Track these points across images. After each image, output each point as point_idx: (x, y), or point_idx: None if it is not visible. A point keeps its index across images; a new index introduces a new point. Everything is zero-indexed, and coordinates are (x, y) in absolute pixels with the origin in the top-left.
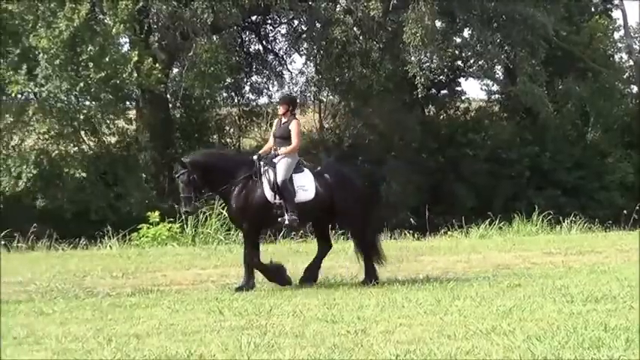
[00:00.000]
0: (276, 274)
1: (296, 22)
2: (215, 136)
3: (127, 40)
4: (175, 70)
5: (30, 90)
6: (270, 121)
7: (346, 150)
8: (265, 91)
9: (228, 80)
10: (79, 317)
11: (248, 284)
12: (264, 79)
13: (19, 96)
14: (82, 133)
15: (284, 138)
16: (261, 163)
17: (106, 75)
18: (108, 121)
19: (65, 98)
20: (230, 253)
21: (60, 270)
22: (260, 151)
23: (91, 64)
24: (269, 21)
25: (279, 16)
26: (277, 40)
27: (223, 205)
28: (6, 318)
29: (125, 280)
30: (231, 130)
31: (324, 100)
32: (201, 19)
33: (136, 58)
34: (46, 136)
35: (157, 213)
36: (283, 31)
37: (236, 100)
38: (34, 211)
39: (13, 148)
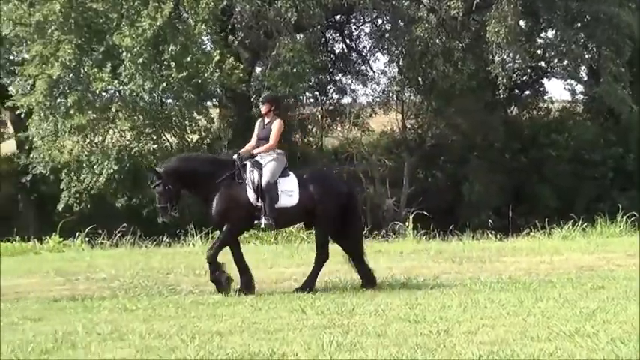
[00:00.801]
0: (219, 278)
1: (379, 21)
2: (298, 135)
3: (210, 38)
4: (258, 69)
5: (114, 87)
6: (352, 121)
7: (428, 150)
8: (349, 90)
9: (312, 80)
10: (162, 314)
11: (248, 285)
12: (348, 79)
13: (103, 93)
14: (165, 130)
15: (266, 139)
16: (247, 164)
17: (188, 74)
18: (189, 120)
19: (148, 96)
20: (312, 252)
21: (143, 267)
22: (240, 151)
23: (173, 63)
24: (353, 20)
25: (363, 15)
26: (361, 39)
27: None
28: (91, 314)
29: (208, 278)
30: (314, 129)
31: (407, 99)
32: (285, 18)
33: (218, 57)
34: (129, 134)
35: None
36: (367, 30)
37: (319, 100)
38: (118, 209)
39: (96, 145)
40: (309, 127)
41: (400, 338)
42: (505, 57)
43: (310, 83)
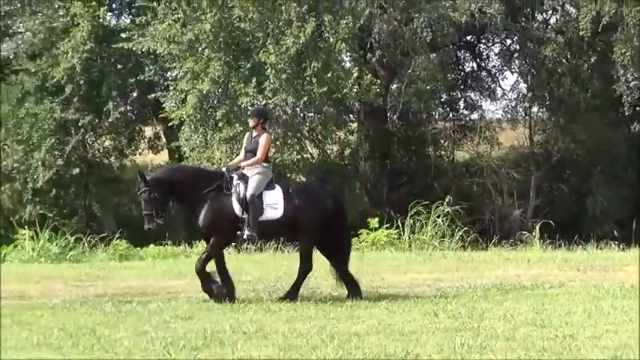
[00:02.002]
0: (211, 288)
1: (509, 41)
2: (430, 149)
3: (349, 56)
4: (394, 86)
5: (258, 102)
6: (482, 135)
7: (554, 164)
8: (478, 106)
9: (444, 96)
10: (303, 315)
11: (229, 294)
12: (478, 95)
13: (249, 107)
14: (306, 142)
15: (254, 152)
16: (234, 176)
17: (328, 89)
18: (330, 132)
19: (290, 110)
20: (444, 259)
21: (286, 271)
22: (229, 163)
23: (314, 79)
24: (483, 40)
25: (493, 36)
26: (490, 59)
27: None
28: (237, 314)
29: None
30: (446, 142)
31: (534, 115)
32: (420, 38)
33: (356, 74)
34: (272, 144)
35: (375, 220)
36: (496, 50)
37: (451, 115)
38: None
39: None
40: (442, 141)
41: (527, 342)
42: (630, 76)
43: (442, 100)
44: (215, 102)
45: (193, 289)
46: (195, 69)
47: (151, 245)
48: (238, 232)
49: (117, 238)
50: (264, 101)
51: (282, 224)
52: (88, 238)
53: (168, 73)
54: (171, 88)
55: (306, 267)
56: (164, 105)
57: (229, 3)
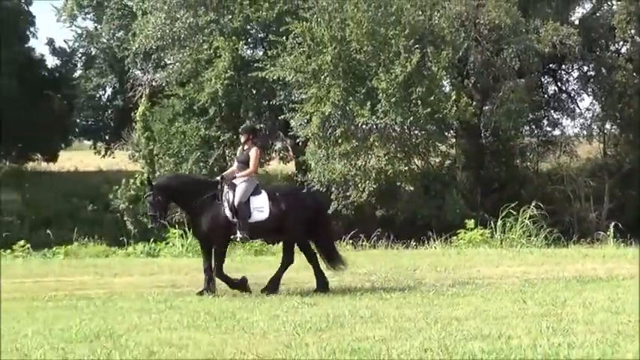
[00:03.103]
0: (237, 284)
1: (585, 68)
2: (518, 160)
3: (449, 82)
4: (487, 107)
5: (372, 121)
6: (563, 149)
7: (625, 173)
8: (559, 124)
9: (530, 115)
10: (411, 302)
11: (211, 287)
12: (559, 115)
13: (364, 126)
14: (413, 155)
15: (244, 163)
16: (225, 185)
17: (431, 110)
18: (432, 147)
19: (399, 128)
20: (531, 254)
21: (395, 265)
22: (224, 173)
23: (419, 102)
24: (563, 67)
25: (572, 64)
26: (569, 83)
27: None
28: (354, 301)
29: (447, 274)
30: (531, 155)
31: (607, 132)
32: (509, 66)
33: (455, 97)
34: (384, 158)
35: (472, 221)
36: (575, 75)
37: (536, 132)
38: (375, 218)
39: (359, 167)
40: (528, 153)
41: (604, 326)
42: None
43: (528, 118)
44: (335, 122)
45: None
46: (319, 94)
47: (280, 243)
48: (232, 236)
49: None
50: (377, 121)
51: (269, 225)
52: None
53: (295, 97)
54: (298, 110)
55: (288, 259)
56: (292, 124)
57: (347, 38)
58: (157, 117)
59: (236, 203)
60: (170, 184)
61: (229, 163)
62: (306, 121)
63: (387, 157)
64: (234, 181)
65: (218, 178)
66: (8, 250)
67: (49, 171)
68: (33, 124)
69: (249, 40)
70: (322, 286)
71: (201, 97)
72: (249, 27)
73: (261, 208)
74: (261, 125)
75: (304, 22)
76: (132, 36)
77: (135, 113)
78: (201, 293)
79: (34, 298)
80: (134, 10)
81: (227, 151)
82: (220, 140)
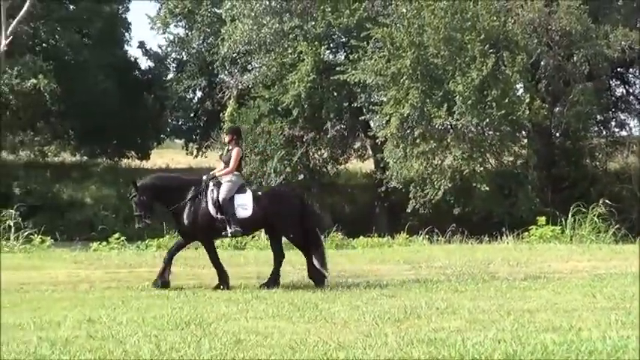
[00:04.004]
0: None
1: None
2: (587, 160)
3: (522, 85)
4: (557, 109)
5: (448, 122)
6: (630, 149)
7: None
8: (627, 125)
9: (599, 117)
10: (484, 295)
11: (225, 282)
12: (626, 116)
13: (441, 127)
14: (487, 155)
15: (227, 162)
16: (210, 183)
17: (505, 112)
18: (506, 147)
19: (475, 129)
20: (600, 250)
21: (469, 259)
22: (210, 173)
23: (494, 104)
24: (630, 70)
25: (639, 67)
26: (637, 85)
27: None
28: (430, 293)
29: (519, 268)
30: (600, 155)
31: None
32: (579, 70)
33: (528, 100)
34: (460, 157)
35: (543, 218)
36: None
37: (604, 132)
38: (451, 216)
39: (435, 167)
40: (597, 153)
41: None
42: None
43: (597, 120)
44: (413, 123)
45: (395, 272)
46: (397, 96)
47: (361, 237)
48: (223, 232)
49: (334, 231)
50: (454, 122)
51: (253, 221)
52: None
53: (375, 99)
54: (377, 111)
55: (280, 256)
56: (371, 125)
57: (425, 43)
58: (244, 117)
59: (220, 200)
60: (154, 183)
61: (312, 162)
62: (385, 121)
63: (462, 157)
64: (219, 179)
65: (204, 177)
66: (104, 242)
67: (141, 168)
68: (128, 123)
69: (332, 44)
70: (320, 280)
71: (286, 98)
72: (331, 32)
73: (245, 205)
74: (342, 126)
75: (384, 28)
76: (221, 41)
77: (223, 114)
78: (156, 284)
79: (129, 287)
80: (223, 17)
81: (310, 150)
82: (303, 140)
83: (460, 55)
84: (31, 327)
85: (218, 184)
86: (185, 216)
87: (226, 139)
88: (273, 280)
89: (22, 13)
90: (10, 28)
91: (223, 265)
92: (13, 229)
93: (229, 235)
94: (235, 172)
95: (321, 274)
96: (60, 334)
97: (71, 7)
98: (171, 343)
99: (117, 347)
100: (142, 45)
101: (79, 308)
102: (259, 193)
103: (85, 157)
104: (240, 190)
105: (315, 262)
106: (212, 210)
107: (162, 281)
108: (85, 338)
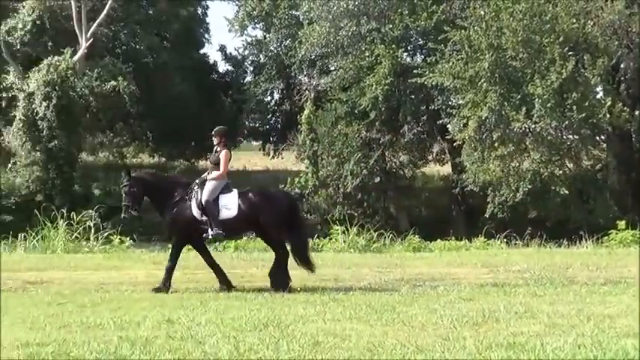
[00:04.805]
0: (165, 285)
1: None
2: None
3: (602, 88)
4: (638, 112)
5: (527, 126)
6: None
7: None
8: None
9: None
10: (563, 299)
11: (227, 284)
12: None
13: (519, 130)
14: (566, 159)
15: (216, 164)
16: (195, 184)
17: (585, 115)
18: (585, 150)
19: (554, 132)
20: None
21: (548, 263)
22: (202, 176)
23: (574, 107)
24: None
25: None
26: None
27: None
28: (509, 297)
29: (598, 273)
30: None
31: None
32: None
33: (609, 103)
34: (538, 161)
35: (623, 222)
36: None
37: None
38: (527, 219)
39: (513, 169)
40: None
41: None
42: None
43: None
44: (491, 126)
45: (473, 276)
46: (475, 99)
47: (438, 240)
48: (204, 234)
49: (411, 234)
50: (532, 125)
51: (238, 221)
52: (388, 234)
53: (453, 102)
54: (455, 114)
55: (283, 255)
56: (449, 128)
57: (503, 45)
58: (321, 120)
59: (203, 201)
60: (147, 178)
61: (388, 164)
62: (462, 124)
63: (541, 160)
64: (205, 181)
65: (197, 180)
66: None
67: None
68: (205, 125)
69: (409, 47)
70: (281, 284)
71: (363, 101)
72: (408, 35)
73: (228, 205)
74: (419, 129)
75: (462, 30)
76: (298, 44)
77: (300, 116)
78: (157, 290)
79: (207, 288)
80: (300, 19)
81: (387, 153)
82: (380, 142)
83: (539, 58)
84: (112, 326)
85: (202, 186)
86: (167, 214)
87: (215, 141)
88: (284, 281)
89: (102, 16)
90: (90, 31)
91: (220, 266)
92: (92, 230)
93: (210, 237)
94: None
95: (285, 280)
96: (140, 334)
97: (150, 9)
98: (249, 344)
99: (196, 348)
100: (222, 48)
101: (158, 309)
102: (248, 192)
103: (163, 159)
104: (225, 190)
105: (298, 262)
106: (196, 212)
107: (160, 288)
108: (165, 338)
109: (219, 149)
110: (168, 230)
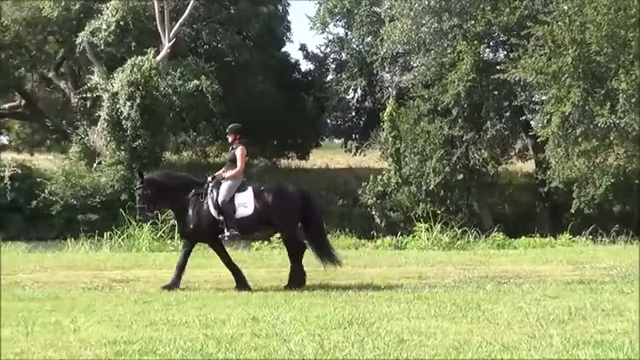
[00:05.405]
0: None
1: None
2: None
3: None
4: None
5: (611, 121)
6: None
7: None
8: None
9: None
10: None
11: (243, 283)
12: None
13: (603, 125)
14: None
15: (232, 162)
16: (210, 184)
17: None
18: None
19: (638, 127)
20: None
21: (635, 259)
22: (216, 174)
23: None
24: None
25: None
26: None
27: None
28: (595, 294)
29: None
30: None
31: None
32: None
33: None
34: (623, 156)
35: None
36: None
37: None
38: (613, 215)
39: (598, 165)
40: None
41: None
42: None
43: None
44: (575, 122)
45: (558, 273)
46: (559, 95)
47: (523, 237)
48: (220, 235)
49: (494, 231)
50: (617, 120)
51: (256, 219)
52: (471, 231)
53: (536, 98)
54: (538, 110)
55: (299, 250)
56: (532, 124)
57: (587, 40)
58: (403, 117)
59: (220, 201)
60: (160, 179)
61: (471, 161)
62: (546, 120)
63: (625, 155)
64: (220, 180)
65: (209, 178)
66: (266, 242)
67: (301, 167)
68: (287, 124)
69: (491, 43)
70: (331, 261)
71: (445, 98)
72: (491, 31)
73: (245, 203)
74: (502, 125)
75: (545, 26)
76: (380, 41)
77: (382, 114)
78: (168, 288)
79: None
80: (382, 16)
81: (469, 150)
82: (463, 139)
83: (623, 53)
84: (197, 324)
85: (217, 185)
86: (188, 219)
87: (229, 138)
88: (299, 279)
89: (184, 15)
90: (173, 31)
91: (237, 266)
92: (177, 228)
93: (226, 238)
94: None
95: (302, 278)
96: (225, 332)
97: (231, 8)
98: (334, 342)
99: (281, 346)
100: (303, 47)
101: (242, 306)
102: (262, 190)
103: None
104: (241, 188)
105: (319, 261)
106: (213, 211)
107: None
108: (250, 336)
109: (234, 146)
110: (191, 235)
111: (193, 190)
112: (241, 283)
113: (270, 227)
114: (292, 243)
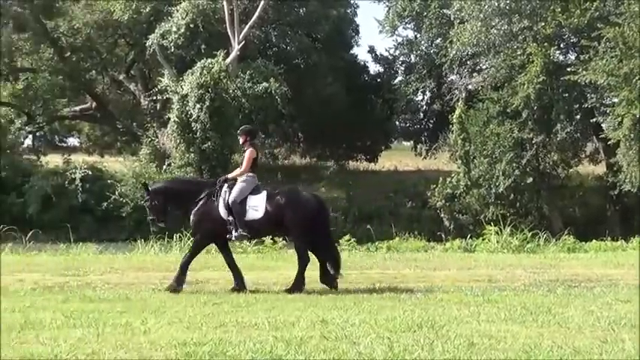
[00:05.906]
0: (179, 283)
1: None
2: None
3: None
4: None
5: None
6: None
7: None
8: None
9: None
10: None
11: (179, 286)
12: None
13: None
14: None
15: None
16: (225, 185)
17: None
18: None
19: None
20: None
21: None
22: (228, 175)
23: None
24: None
25: None
26: None
27: None
28: None
29: None
30: None
31: None
32: None
33: None
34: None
35: None
36: None
37: None
38: None
39: None
40: None
41: None
42: None
43: None
44: None
45: (630, 277)
46: (630, 97)
47: (594, 240)
48: (228, 235)
49: (565, 234)
50: None
51: (265, 223)
52: (542, 234)
53: (607, 100)
54: (609, 112)
55: (304, 261)
56: (603, 127)
57: None
58: (473, 120)
59: (230, 201)
60: (165, 187)
61: (541, 164)
62: (617, 123)
63: None
64: (234, 181)
65: (222, 178)
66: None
67: (370, 170)
68: (356, 126)
69: (561, 45)
70: (332, 283)
71: (515, 100)
72: (561, 33)
73: (256, 207)
74: (572, 128)
75: (616, 27)
76: (449, 43)
77: (452, 116)
78: (173, 289)
79: (360, 289)
80: (452, 18)
81: (539, 152)
82: (533, 142)
83: None
84: (266, 326)
85: (232, 186)
86: (193, 214)
87: (240, 140)
88: (299, 285)
89: (253, 18)
90: (242, 33)
91: (238, 266)
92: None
93: (234, 238)
94: (249, 173)
95: (333, 277)
96: (294, 334)
97: (301, 10)
98: (404, 345)
99: (350, 348)
100: (371, 50)
101: (311, 309)
102: (276, 193)
103: (314, 160)
104: (255, 191)
105: (330, 269)
106: (222, 212)
107: (174, 288)
108: (319, 339)
109: (245, 148)
110: (193, 230)
111: (203, 191)
112: (239, 283)
113: (280, 231)
114: (298, 252)
